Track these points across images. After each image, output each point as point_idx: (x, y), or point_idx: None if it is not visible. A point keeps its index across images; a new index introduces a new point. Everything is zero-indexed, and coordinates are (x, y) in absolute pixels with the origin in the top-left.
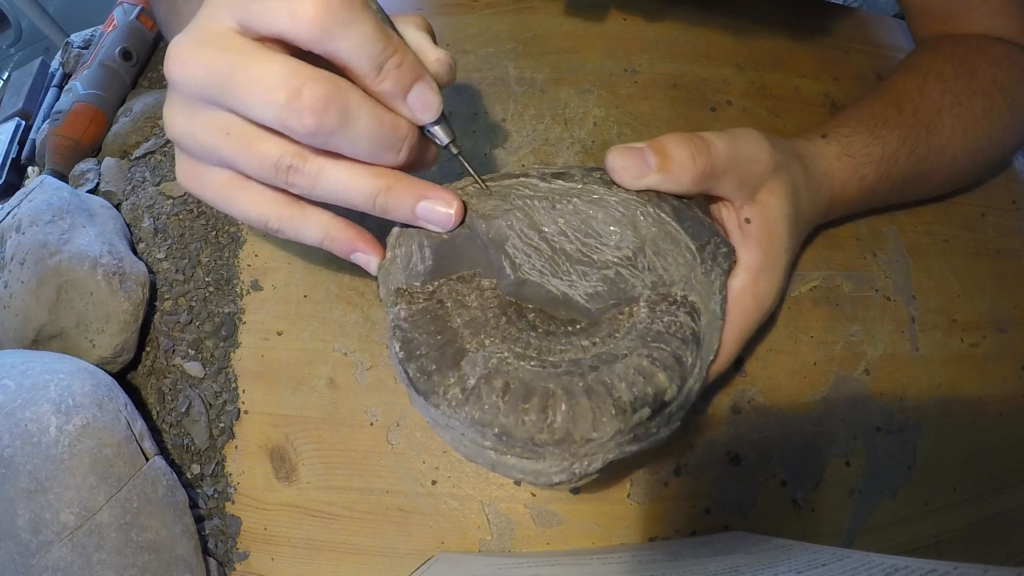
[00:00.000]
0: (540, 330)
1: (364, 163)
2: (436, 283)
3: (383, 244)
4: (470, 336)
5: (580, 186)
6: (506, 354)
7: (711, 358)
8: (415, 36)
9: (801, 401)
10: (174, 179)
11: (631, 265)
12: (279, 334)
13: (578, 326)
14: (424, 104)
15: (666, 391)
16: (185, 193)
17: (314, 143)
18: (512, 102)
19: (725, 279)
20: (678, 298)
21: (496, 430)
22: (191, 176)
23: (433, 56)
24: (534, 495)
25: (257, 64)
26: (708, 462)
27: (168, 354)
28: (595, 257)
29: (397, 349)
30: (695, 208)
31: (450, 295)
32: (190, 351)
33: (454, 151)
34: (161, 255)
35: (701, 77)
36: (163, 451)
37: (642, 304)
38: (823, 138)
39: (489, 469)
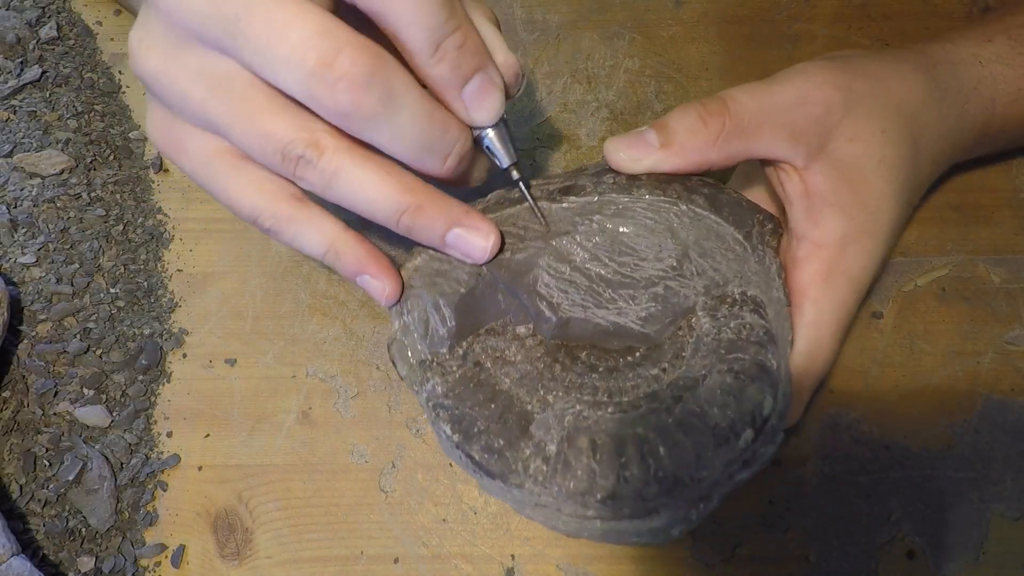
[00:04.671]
0: (601, 369)
1: (393, 169)
2: (465, 343)
3: (397, 264)
4: (528, 395)
5: (596, 199)
6: (577, 407)
7: (788, 351)
8: (483, 26)
9: (930, 433)
10: (36, 148)
11: (678, 275)
12: (229, 360)
13: (638, 354)
14: (482, 99)
15: (763, 404)
16: (64, 170)
17: (343, 126)
18: (519, 55)
19: (778, 259)
20: (737, 296)
21: (599, 495)
22: (167, 136)
23: (501, 57)
24: (568, 549)
25: (282, 9)
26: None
27: (45, 398)
28: (637, 276)
29: (449, 432)
30: (727, 190)
31: (486, 353)
32: (86, 391)
33: (515, 176)
34: (28, 259)
35: (770, 0)
36: (31, 544)
37: (700, 313)
38: (983, 35)
39: (598, 541)
